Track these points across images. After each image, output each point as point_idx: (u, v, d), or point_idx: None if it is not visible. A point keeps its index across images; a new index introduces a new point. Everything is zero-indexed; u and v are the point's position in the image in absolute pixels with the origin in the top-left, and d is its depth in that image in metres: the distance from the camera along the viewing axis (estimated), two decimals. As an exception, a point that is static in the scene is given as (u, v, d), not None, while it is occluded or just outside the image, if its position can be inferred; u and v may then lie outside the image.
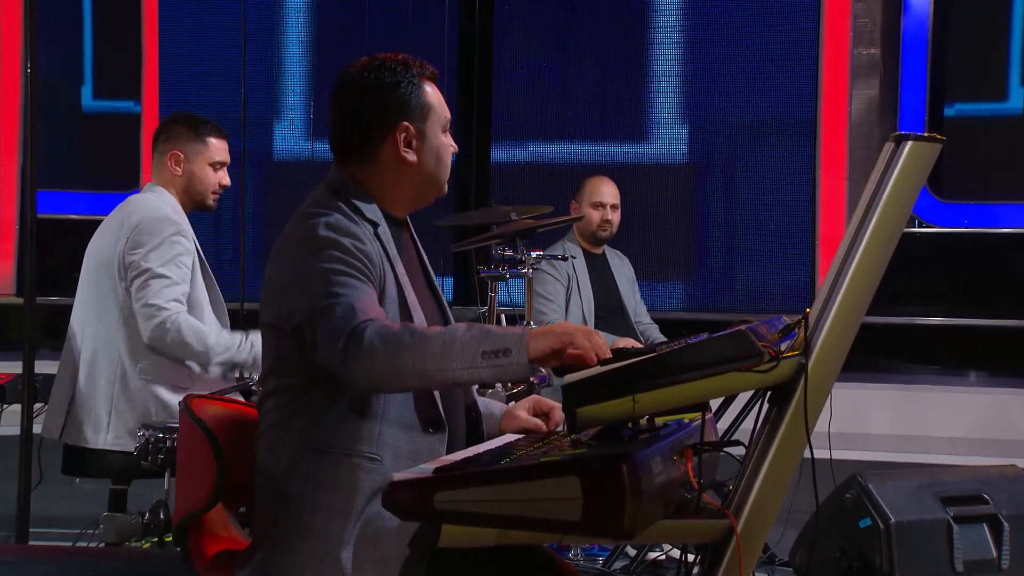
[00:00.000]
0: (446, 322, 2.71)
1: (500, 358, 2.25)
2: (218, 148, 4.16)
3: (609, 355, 2.29)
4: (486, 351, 2.25)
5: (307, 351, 2.39)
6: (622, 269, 5.86)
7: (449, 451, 2.50)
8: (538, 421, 2.74)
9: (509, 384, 3.90)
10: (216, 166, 4.15)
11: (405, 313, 2.53)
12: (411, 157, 2.61)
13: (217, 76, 8.40)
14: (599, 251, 5.79)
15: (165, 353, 3.86)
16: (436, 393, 2.51)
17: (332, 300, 2.34)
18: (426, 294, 2.68)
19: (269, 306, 2.52)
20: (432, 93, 2.63)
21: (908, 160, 2.30)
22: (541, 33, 8.55)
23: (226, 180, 4.18)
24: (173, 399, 3.88)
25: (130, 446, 3.84)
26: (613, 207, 5.70)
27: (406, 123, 2.59)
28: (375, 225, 2.56)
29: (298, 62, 8.76)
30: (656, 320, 5.91)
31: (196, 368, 3.89)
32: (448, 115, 2.66)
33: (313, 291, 2.38)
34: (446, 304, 2.75)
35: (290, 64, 8.79)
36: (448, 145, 2.66)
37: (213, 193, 4.15)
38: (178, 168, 4.11)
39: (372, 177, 2.62)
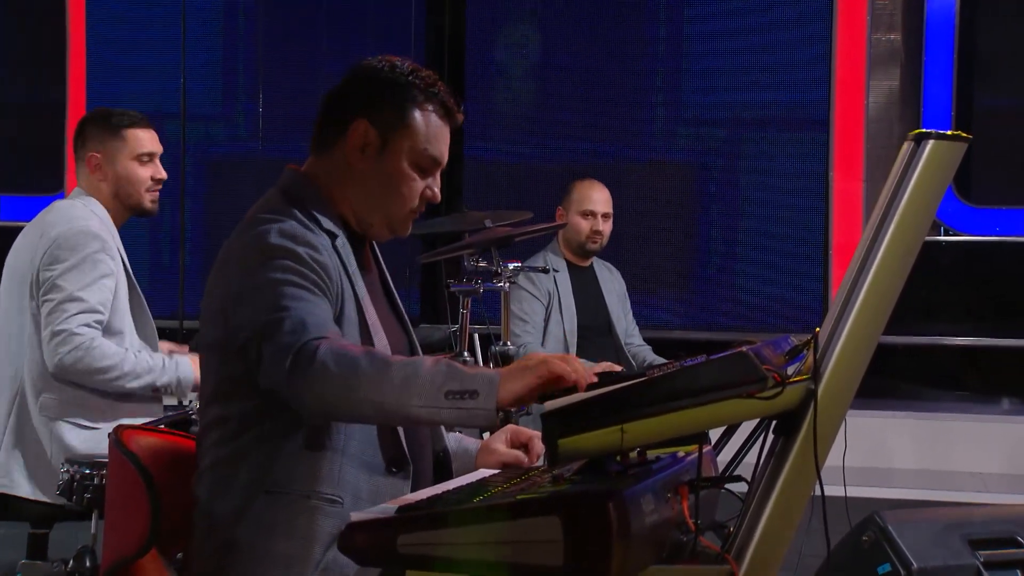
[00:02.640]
0: (411, 347, 2.72)
1: (465, 400, 2.23)
2: (140, 138, 4.08)
3: (593, 379, 2.30)
4: (451, 391, 2.23)
5: (251, 368, 2.39)
6: (612, 284, 5.87)
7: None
8: (518, 453, 2.75)
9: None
10: (143, 159, 4.08)
11: (365, 336, 2.53)
12: (357, 163, 2.60)
13: (155, 66, 8.39)
14: (586, 263, 5.81)
15: (75, 382, 3.82)
16: (400, 428, 2.51)
17: (281, 313, 2.34)
18: (388, 316, 2.68)
19: (212, 323, 2.52)
20: (424, 119, 2.60)
21: (929, 161, 2.31)
22: (520, 16, 8.57)
23: (161, 173, 4.10)
24: (78, 438, 3.85)
25: (22, 489, 3.82)
26: (605, 216, 5.71)
27: (366, 123, 2.59)
28: (333, 237, 2.56)
29: (246, 52, 8.76)
30: (648, 340, 5.93)
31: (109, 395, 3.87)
32: (434, 155, 2.61)
33: (261, 304, 2.38)
34: (411, 327, 2.76)
35: (237, 53, 8.79)
36: (412, 180, 2.60)
37: (148, 192, 4.07)
38: (99, 172, 4.04)
39: (322, 174, 2.63)
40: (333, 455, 2.45)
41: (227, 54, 8.82)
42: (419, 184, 2.62)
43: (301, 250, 2.44)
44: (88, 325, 3.79)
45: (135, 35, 8.66)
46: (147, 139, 4.10)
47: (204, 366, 2.59)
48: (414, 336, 2.75)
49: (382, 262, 2.77)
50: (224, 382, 2.51)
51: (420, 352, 2.72)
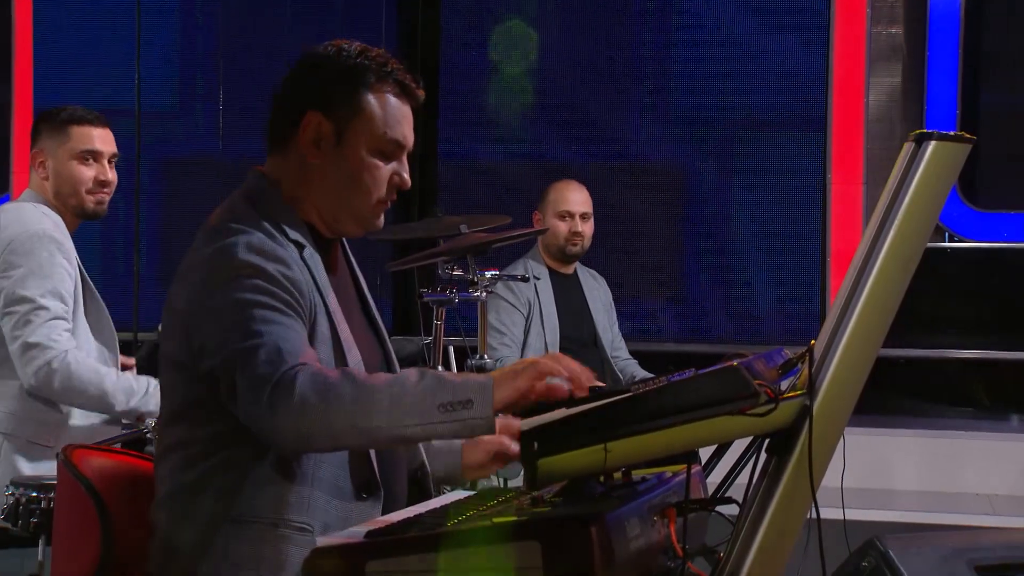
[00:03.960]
0: (388, 361, 2.72)
1: (460, 411, 2.26)
2: (85, 135, 4.07)
3: (593, 382, 2.30)
4: (444, 403, 2.26)
5: (221, 398, 2.38)
6: (597, 293, 5.88)
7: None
8: (505, 439, 2.75)
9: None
10: (84, 157, 4.06)
11: (338, 352, 2.53)
12: (314, 159, 2.60)
13: (107, 61, 8.37)
14: (569, 270, 5.81)
15: (53, 400, 3.81)
16: (372, 451, 2.52)
17: (254, 341, 2.33)
18: (363, 327, 2.68)
19: (173, 338, 2.51)
20: (380, 102, 2.59)
21: (931, 164, 2.33)
22: (498, 7, 8.57)
23: (107, 175, 4.08)
24: (25, 458, 3.84)
25: None
26: (583, 217, 5.72)
27: (319, 114, 2.59)
28: (300, 247, 2.55)
29: (205, 44, 8.74)
30: (634, 352, 5.94)
31: (73, 417, 3.86)
32: (395, 138, 2.61)
33: (230, 328, 2.37)
34: (387, 339, 2.76)
35: (195, 46, 8.77)
36: (375, 168, 2.60)
37: (89, 193, 4.05)
38: (42, 170, 4.05)
39: (282, 175, 2.63)
40: (303, 480, 2.45)
41: (184, 47, 8.79)
42: (384, 171, 2.61)
43: (271, 267, 2.44)
44: (60, 334, 3.79)
45: (86, 27, 8.63)
46: (94, 137, 4.07)
47: (164, 383, 2.58)
48: (390, 347, 2.75)
49: (354, 264, 2.76)
50: (187, 404, 2.50)
51: (396, 365, 2.72)
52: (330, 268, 2.63)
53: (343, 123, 2.59)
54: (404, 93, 2.63)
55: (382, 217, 2.67)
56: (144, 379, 3.91)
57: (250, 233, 2.49)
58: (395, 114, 2.61)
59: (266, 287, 2.41)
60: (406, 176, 2.64)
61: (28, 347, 3.78)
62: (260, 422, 2.30)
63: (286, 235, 2.55)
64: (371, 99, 2.59)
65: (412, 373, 2.32)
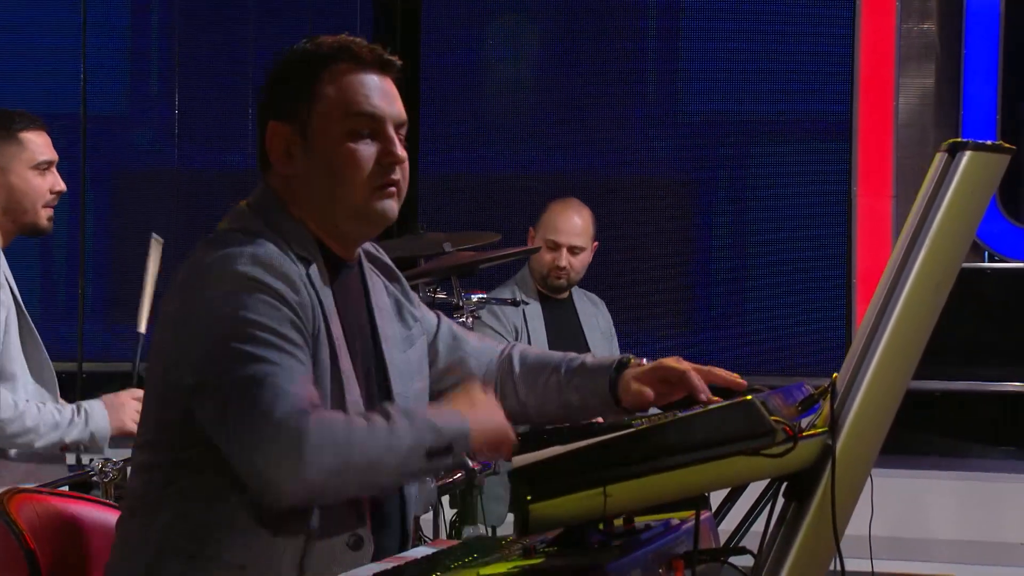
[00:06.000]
0: (388, 396, 2.70)
1: (444, 457, 2.43)
2: (39, 144, 4.11)
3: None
4: (431, 449, 2.40)
5: (201, 421, 2.40)
6: (595, 319, 5.88)
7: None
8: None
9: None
10: (42, 168, 4.10)
11: (336, 387, 2.54)
12: (290, 170, 2.61)
13: (48, 60, 8.37)
14: (563, 295, 5.81)
15: None
16: (365, 501, 2.55)
17: (255, 373, 2.35)
18: (368, 359, 2.68)
19: (163, 351, 2.53)
20: (334, 80, 2.60)
21: (966, 176, 2.34)
22: (484, 5, 8.58)
23: (61, 184, 4.14)
24: None
25: None
26: (573, 250, 5.69)
27: (277, 122, 2.60)
28: (307, 264, 2.57)
29: (160, 42, 8.75)
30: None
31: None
32: (364, 111, 2.60)
33: (226, 353, 2.38)
34: (391, 376, 2.73)
35: (149, 44, 8.78)
36: (352, 152, 2.58)
37: (45, 207, 4.10)
38: None
39: (281, 188, 2.64)
40: (284, 530, 2.47)
41: (136, 44, 8.80)
42: (365, 151, 2.59)
43: (278, 285, 2.45)
44: None
45: (24, 24, 8.63)
46: (46, 145, 4.12)
47: (146, 402, 2.59)
48: (393, 384, 2.72)
49: (372, 293, 2.74)
50: (161, 424, 2.52)
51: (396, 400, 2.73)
52: (340, 292, 2.64)
53: (304, 120, 2.60)
54: (367, 64, 2.63)
55: (391, 205, 2.63)
56: (67, 408, 3.92)
57: (257, 244, 2.50)
58: (358, 87, 2.61)
59: (269, 309, 2.42)
60: (395, 149, 2.61)
61: None
62: (259, 473, 2.31)
63: (292, 250, 2.56)
64: (326, 82, 2.60)
65: (400, 420, 2.40)
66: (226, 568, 2.44)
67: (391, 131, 2.62)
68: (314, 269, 2.57)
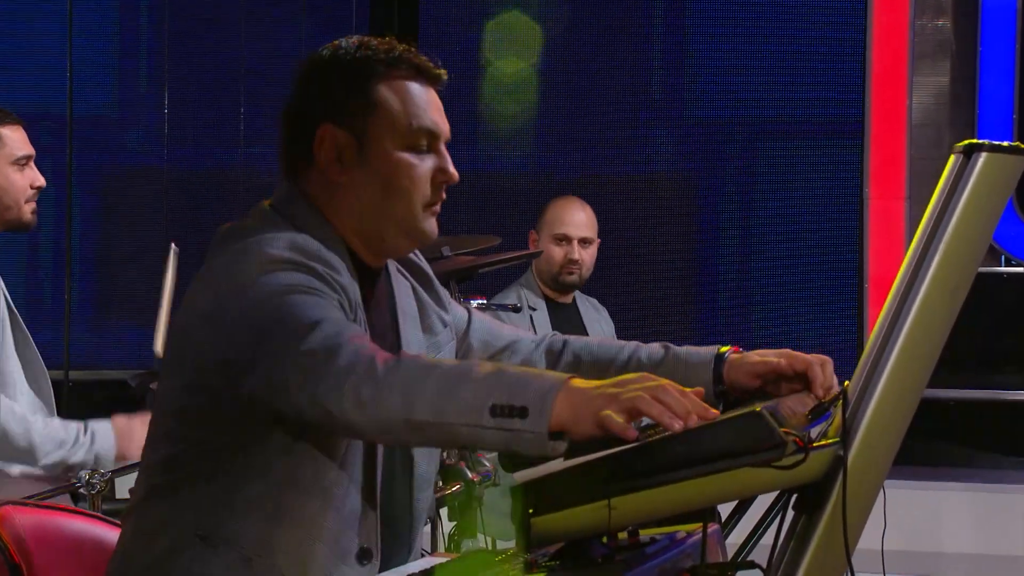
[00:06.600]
0: None
1: (511, 419, 2.16)
2: (17, 138, 4.13)
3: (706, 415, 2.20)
4: (497, 404, 2.17)
5: (257, 394, 2.37)
6: (598, 324, 5.89)
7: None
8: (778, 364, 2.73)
9: (438, 482, 3.92)
10: (21, 163, 4.12)
11: None
12: (340, 177, 2.60)
13: (34, 57, 8.38)
14: (567, 299, 5.83)
15: None
16: (377, 512, 2.53)
17: (306, 319, 2.32)
18: None
19: (183, 348, 2.52)
20: (396, 91, 2.59)
21: (982, 178, 2.34)
22: (485, 1, 8.58)
23: (40, 179, 4.15)
24: None
25: None
26: (583, 242, 5.73)
27: (330, 125, 2.59)
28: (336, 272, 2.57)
29: (148, 39, 8.76)
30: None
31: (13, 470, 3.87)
32: (425, 127, 2.60)
33: (270, 316, 2.36)
34: None
35: (138, 43, 8.79)
36: (411, 167, 2.58)
37: (27, 202, 4.12)
38: None
39: (318, 192, 2.62)
40: (300, 524, 2.47)
41: (125, 41, 8.81)
42: (422, 168, 2.59)
43: (319, 267, 2.44)
44: None
45: (8, 15, 8.64)
46: (22, 140, 4.14)
47: (159, 397, 2.59)
48: None
49: (398, 299, 2.74)
50: (179, 410, 2.51)
51: None
52: (371, 298, 2.64)
53: (360, 126, 2.58)
54: (422, 75, 2.63)
55: (434, 225, 2.64)
56: (72, 426, 3.92)
57: (293, 234, 2.50)
58: (418, 99, 2.61)
59: (306, 279, 2.40)
60: (451, 169, 2.62)
61: None
62: (323, 401, 2.25)
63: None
64: (385, 90, 2.59)
65: (479, 363, 2.30)
66: (237, 554, 2.45)
67: (445, 150, 2.64)
68: (345, 277, 2.55)
